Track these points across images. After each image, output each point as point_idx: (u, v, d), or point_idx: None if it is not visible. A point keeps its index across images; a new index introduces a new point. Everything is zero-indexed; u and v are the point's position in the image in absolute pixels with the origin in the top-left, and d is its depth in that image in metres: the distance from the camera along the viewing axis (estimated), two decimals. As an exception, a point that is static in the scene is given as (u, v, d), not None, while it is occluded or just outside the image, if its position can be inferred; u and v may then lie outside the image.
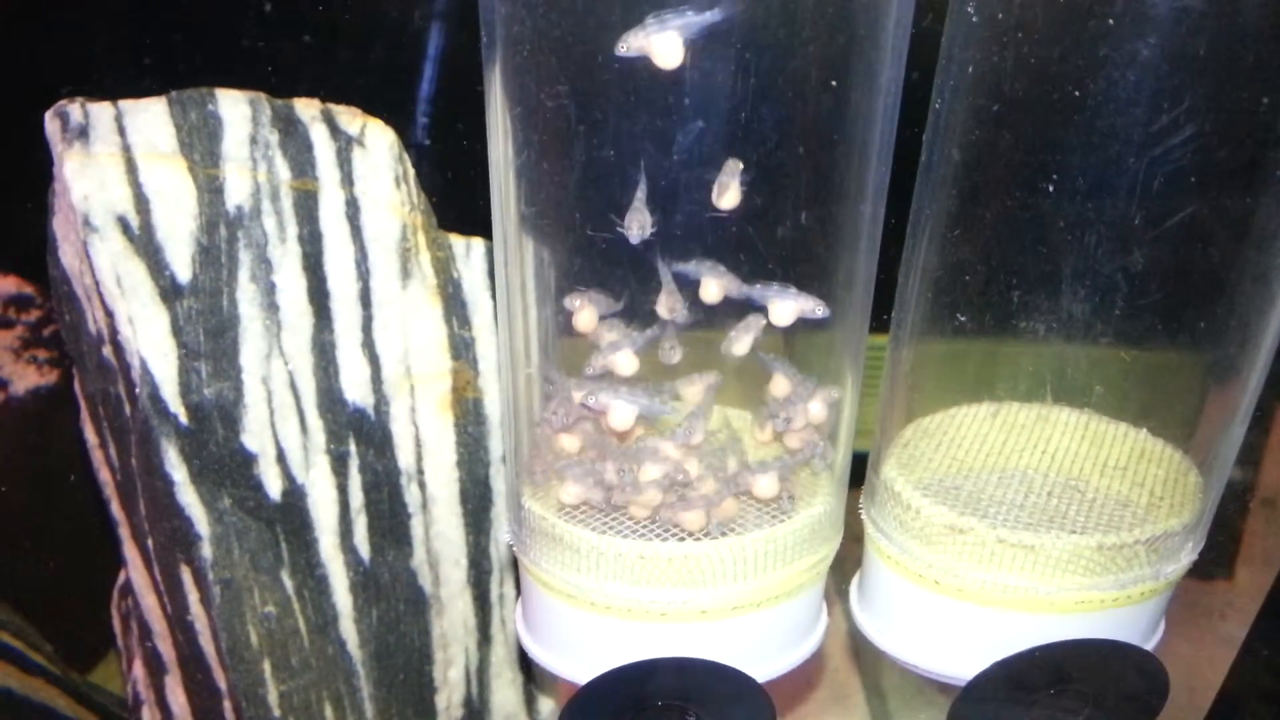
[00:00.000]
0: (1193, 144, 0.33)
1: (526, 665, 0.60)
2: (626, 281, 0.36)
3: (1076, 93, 0.34)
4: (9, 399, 0.72)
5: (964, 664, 0.40)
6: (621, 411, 0.37)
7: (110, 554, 0.65)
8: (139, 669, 0.59)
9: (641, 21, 0.30)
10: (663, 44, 0.30)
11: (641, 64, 0.30)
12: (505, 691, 0.60)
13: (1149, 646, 0.42)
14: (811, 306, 0.35)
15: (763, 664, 0.40)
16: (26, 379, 0.73)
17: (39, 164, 0.51)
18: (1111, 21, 0.32)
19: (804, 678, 0.62)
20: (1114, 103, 0.33)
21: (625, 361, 0.37)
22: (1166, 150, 0.33)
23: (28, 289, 0.74)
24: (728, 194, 0.32)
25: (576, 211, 0.34)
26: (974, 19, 0.34)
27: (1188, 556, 0.40)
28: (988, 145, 0.36)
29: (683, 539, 0.37)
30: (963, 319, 0.40)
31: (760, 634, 0.39)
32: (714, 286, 0.35)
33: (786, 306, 0.35)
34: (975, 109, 0.36)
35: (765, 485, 0.37)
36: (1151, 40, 0.32)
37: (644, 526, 0.38)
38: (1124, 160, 0.34)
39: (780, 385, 0.38)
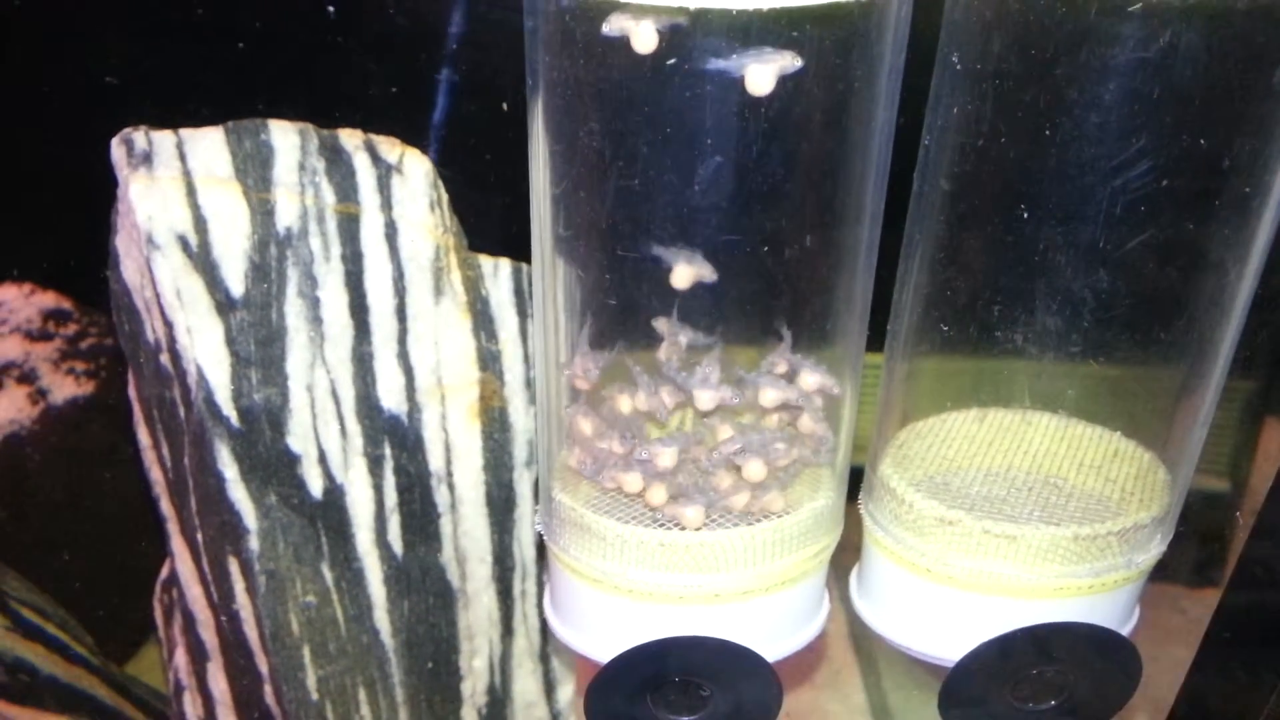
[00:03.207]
0: (1149, 176, 0.37)
1: (546, 656, 0.63)
2: (650, 297, 0.40)
3: (1048, 131, 0.38)
4: (49, 407, 0.75)
5: (953, 646, 0.43)
6: (668, 456, 0.41)
7: (141, 555, 0.68)
8: (181, 657, 0.62)
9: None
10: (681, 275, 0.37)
11: (668, 108, 0.35)
12: (526, 681, 0.63)
13: (1124, 632, 0.45)
14: None
15: (771, 644, 0.43)
16: (65, 389, 0.76)
17: (77, 188, 0.55)
18: (1077, 70, 0.37)
19: (807, 661, 0.65)
20: (1080, 139, 0.37)
21: (667, 456, 0.41)
22: (1126, 181, 0.37)
23: (66, 304, 0.77)
24: (763, 79, 0.34)
25: (608, 234, 0.38)
26: (958, 67, 0.38)
27: (1157, 547, 0.44)
28: (972, 177, 0.40)
29: (699, 528, 0.41)
30: (951, 332, 0.44)
31: (769, 616, 0.43)
32: None
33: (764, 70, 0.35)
34: (960, 145, 0.40)
35: (754, 469, 0.40)
36: (1112, 86, 0.36)
37: (665, 516, 0.42)
38: (1091, 190, 0.38)
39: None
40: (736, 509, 0.41)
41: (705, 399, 0.40)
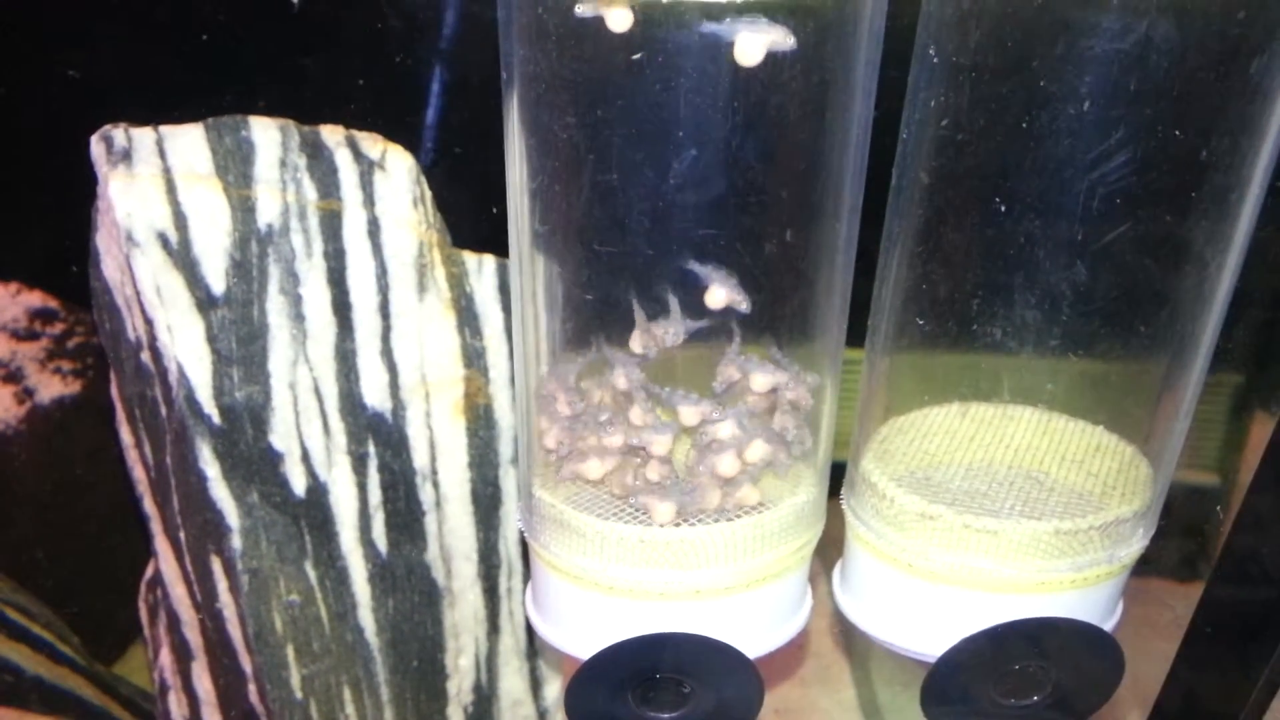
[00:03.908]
0: (1126, 169, 0.37)
1: (533, 654, 0.63)
2: (628, 290, 0.39)
3: (1024, 124, 0.38)
4: (35, 406, 0.75)
5: (935, 641, 0.43)
6: (661, 444, 0.41)
7: (128, 554, 0.68)
8: (166, 656, 0.62)
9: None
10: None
11: (643, 101, 0.35)
12: (512, 679, 0.63)
13: (1106, 627, 0.45)
14: None
15: (753, 640, 0.43)
16: (51, 388, 0.76)
17: (64, 186, 0.54)
18: (1054, 62, 0.36)
19: (796, 657, 0.65)
20: (1058, 132, 0.37)
21: (660, 442, 0.40)
22: (1103, 174, 0.37)
23: (52, 303, 0.77)
24: (752, 49, 0.33)
25: (585, 229, 0.38)
26: (935, 60, 0.38)
27: (1139, 542, 0.44)
28: (950, 170, 0.40)
29: (679, 524, 0.41)
30: (932, 326, 0.44)
31: (750, 612, 0.43)
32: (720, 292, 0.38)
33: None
34: (938, 138, 0.39)
35: (726, 464, 0.40)
36: (1089, 78, 0.36)
37: (636, 505, 0.42)
38: (1068, 183, 0.38)
39: (760, 381, 0.42)
40: (710, 505, 0.41)
41: (689, 414, 0.40)
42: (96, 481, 0.75)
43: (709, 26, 0.33)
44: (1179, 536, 0.64)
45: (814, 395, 0.42)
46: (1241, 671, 0.53)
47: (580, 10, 0.32)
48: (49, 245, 0.73)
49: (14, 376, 0.76)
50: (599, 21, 0.33)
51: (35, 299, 0.77)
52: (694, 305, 0.39)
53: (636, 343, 0.40)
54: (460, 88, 0.60)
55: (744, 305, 0.39)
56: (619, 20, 0.32)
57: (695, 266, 0.38)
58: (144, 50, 0.62)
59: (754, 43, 0.33)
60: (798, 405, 0.42)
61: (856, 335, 0.44)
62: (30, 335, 0.77)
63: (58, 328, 0.78)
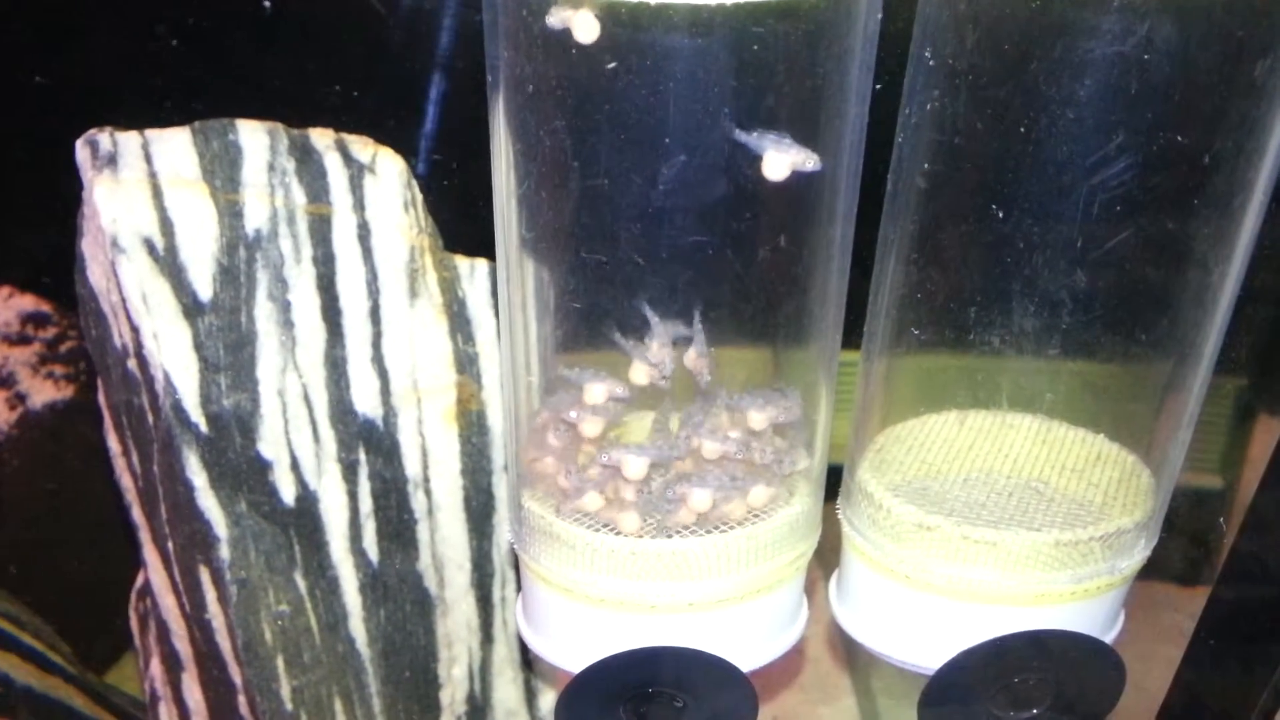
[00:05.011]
0: (1127, 174, 0.36)
1: (527, 663, 0.63)
2: (618, 299, 0.39)
3: (1022, 128, 0.37)
4: (27, 412, 0.75)
5: (932, 654, 0.43)
6: (634, 465, 0.40)
7: (122, 561, 0.68)
8: (156, 667, 0.61)
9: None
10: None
11: (631, 106, 0.34)
12: (507, 689, 0.62)
13: (1108, 639, 0.44)
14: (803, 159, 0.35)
15: (747, 653, 0.42)
16: (44, 393, 0.76)
17: (56, 190, 0.54)
18: (1052, 64, 0.36)
19: (795, 665, 0.64)
20: (1055, 136, 0.37)
21: (634, 466, 0.40)
22: (1104, 179, 0.37)
23: (44, 307, 0.77)
24: (778, 167, 0.34)
25: (572, 236, 0.37)
26: (931, 63, 0.37)
27: (1141, 553, 0.43)
28: (946, 175, 0.39)
29: (670, 536, 0.40)
30: (928, 333, 0.43)
31: (744, 625, 0.42)
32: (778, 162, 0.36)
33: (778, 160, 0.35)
34: (934, 143, 0.39)
35: (699, 499, 0.40)
36: (1088, 81, 0.35)
37: (599, 521, 0.41)
38: (1067, 188, 0.37)
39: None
40: (685, 522, 0.40)
41: (711, 450, 0.40)
42: (89, 487, 0.74)
43: (740, 137, 0.34)
44: (1184, 540, 0.63)
45: (808, 406, 0.41)
46: (1247, 676, 0.52)
47: (550, 22, 0.32)
48: (41, 249, 0.73)
49: (5, 381, 0.75)
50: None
51: (27, 303, 0.77)
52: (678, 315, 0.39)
53: (642, 374, 0.39)
54: (453, 90, 0.59)
55: (705, 378, 0.39)
56: (585, 31, 0.31)
57: (689, 332, 0.39)
58: (132, 54, 0.61)
59: (779, 162, 0.34)
60: (790, 429, 0.41)
61: (852, 337, 0.44)
62: (22, 339, 0.77)
63: (50, 332, 0.78)
